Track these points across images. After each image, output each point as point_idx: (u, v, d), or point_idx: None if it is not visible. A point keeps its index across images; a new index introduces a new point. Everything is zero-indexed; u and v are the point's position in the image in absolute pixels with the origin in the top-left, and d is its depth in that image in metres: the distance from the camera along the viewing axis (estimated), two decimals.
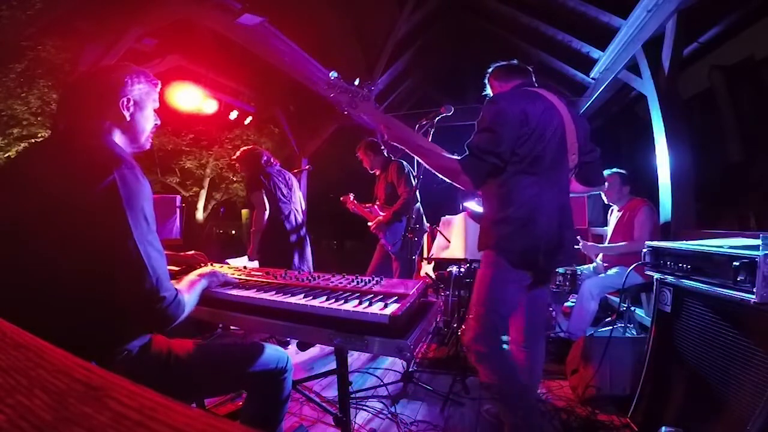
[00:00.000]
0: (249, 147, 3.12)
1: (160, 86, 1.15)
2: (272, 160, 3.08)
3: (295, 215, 3.06)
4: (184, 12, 3.01)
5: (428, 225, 3.41)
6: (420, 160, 1.60)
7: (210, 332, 2.94)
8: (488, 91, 1.77)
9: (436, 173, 1.56)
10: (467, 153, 1.48)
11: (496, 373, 1.47)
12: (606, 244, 2.98)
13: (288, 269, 1.53)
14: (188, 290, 1.04)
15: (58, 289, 0.86)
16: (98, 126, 1.01)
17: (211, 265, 1.56)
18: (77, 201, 0.85)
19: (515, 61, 1.73)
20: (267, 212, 2.86)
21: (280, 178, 3.02)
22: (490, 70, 1.76)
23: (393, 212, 3.07)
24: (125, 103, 1.03)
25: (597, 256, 3.06)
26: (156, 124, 1.15)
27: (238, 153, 3.08)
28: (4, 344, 0.25)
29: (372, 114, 1.61)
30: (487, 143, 1.46)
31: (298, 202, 3.14)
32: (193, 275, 1.14)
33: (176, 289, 0.95)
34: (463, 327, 1.60)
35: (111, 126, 1.03)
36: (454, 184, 1.52)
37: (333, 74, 1.54)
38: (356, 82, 1.57)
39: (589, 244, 3.01)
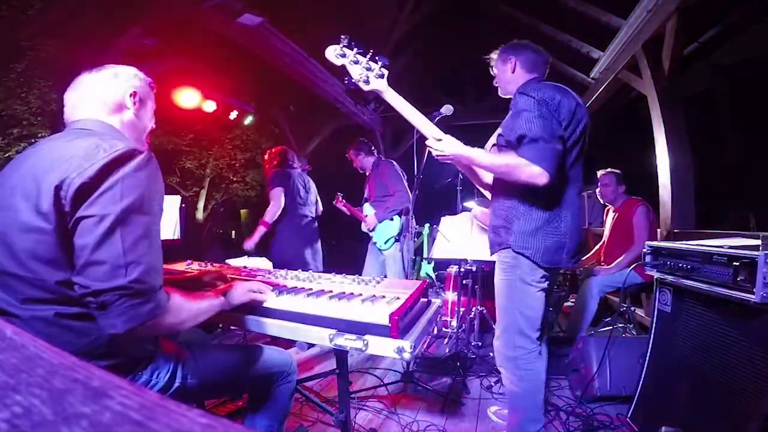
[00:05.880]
0: (281, 146, 3.30)
1: (155, 89, 1.14)
2: (296, 163, 3.25)
3: (309, 217, 3.22)
4: (184, 12, 3.01)
5: (416, 225, 3.41)
6: (476, 163, 1.45)
7: (211, 333, 2.94)
8: (502, 71, 1.58)
9: (496, 173, 1.43)
10: (530, 142, 1.32)
11: (521, 381, 1.45)
12: (614, 264, 2.72)
13: (301, 268, 1.54)
14: (194, 298, 0.96)
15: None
16: (105, 117, 0.99)
17: (211, 265, 1.55)
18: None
19: (542, 50, 1.58)
20: (280, 210, 2.98)
21: (299, 181, 3.17)
22: (515, 49, 1.56)
23: (385, 209, 3.08)
24: (132, 96, 1.03)
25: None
26: (152, 127, 1.13)
27: (272, 150, 3.25)
28: (4, 344, 0.25)
29: (391, 98, 1.42)
30: (550, 128, 1.32)
31: (312, 205, 3.29)
32: (234, 287, 1.10)
33: (160, 285, 0.83)
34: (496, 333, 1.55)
35: (117, 118, 1.01)
36: (522, 181, 1.33)
37: (343, 40, 1.36)
38: (369, 55, 1.39)
39: (603, 268, 2.77)
